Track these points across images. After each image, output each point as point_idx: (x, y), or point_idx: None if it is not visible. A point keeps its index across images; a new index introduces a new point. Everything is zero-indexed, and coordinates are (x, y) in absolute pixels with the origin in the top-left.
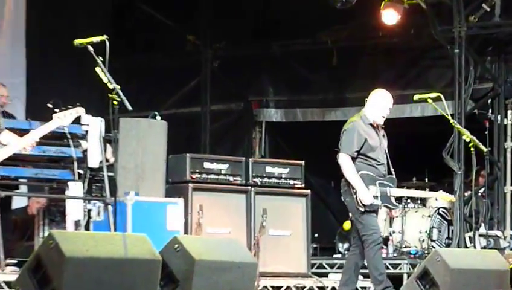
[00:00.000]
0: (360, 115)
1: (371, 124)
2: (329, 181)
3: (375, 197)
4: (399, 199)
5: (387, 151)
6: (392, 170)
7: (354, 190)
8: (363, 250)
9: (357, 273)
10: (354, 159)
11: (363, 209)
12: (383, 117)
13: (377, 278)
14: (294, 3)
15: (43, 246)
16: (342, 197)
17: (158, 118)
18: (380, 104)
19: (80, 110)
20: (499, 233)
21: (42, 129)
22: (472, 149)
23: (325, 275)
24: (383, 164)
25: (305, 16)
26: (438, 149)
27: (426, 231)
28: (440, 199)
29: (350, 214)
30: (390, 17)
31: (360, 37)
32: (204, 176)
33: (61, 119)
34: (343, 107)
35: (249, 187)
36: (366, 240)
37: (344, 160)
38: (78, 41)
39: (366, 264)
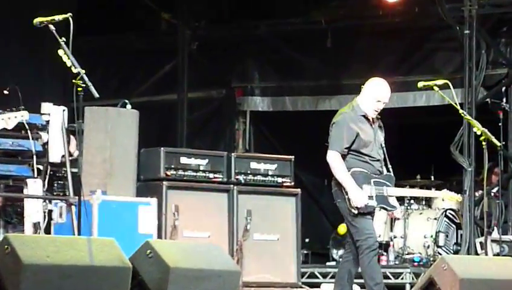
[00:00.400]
0: (352, 104)
1: (363, 116)
2: (322, 179)
3: (370, 197)
4: (401, 199)
5: (383, 145)
6: (389, 166)
7: (346, 191)
8: (357, 256)
9: (350, 283)
10: (344, 155)
11: (356, 212)
12: (375, 111)
13: (372, 289)
14: None
15: None
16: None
17: (129, 106)
18: (373, 95)
19: (25, 115)
20: None
21: None
22: (484, 143)
23: (317, 285)
24: (378, 160)
25: None
26: (446, 143)
27: (432, 236)
28: (444, 198)
29: None
30: None
31: (358, 16)
32: (180, 172)
33: (5, 122)
34: (339, 95)
35: (231, 185)
36: (361, 246)
37: (332, 158)
38: (38, 19)
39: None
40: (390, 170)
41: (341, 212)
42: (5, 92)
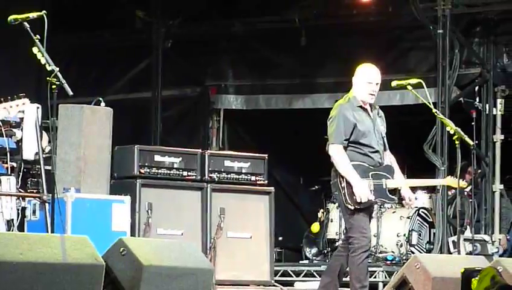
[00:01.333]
0: (347, 96)
1: (360, 106)
2: (297, 177)
3: (369, 191)
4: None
5: (384, 135)
6: (391, 157)
7: (343, 185)
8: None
9: (341, 277)
10: (345, 148)
11: (352, 207)
12: (372, 95)
13: None
14: None
15: None
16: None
17: (103, 104)
18: (363, 79)
19: (26, 102)
20: (486, 237)
21: None
22: (457, 142)
23: (290, 283)
24: (378, 151)
25: None
26: (419, 142)
27: (405, 235)
28: (448, 184)
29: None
30: None
31: (332, 15)
32: (154, 170)
33: (7, 110)
34: (313, 93)
35: (205, 183)
36: (353, 244)
37: (335, 151)
38: (12, 17)
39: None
40: (392, 160)
41: (339, 204)
42: None
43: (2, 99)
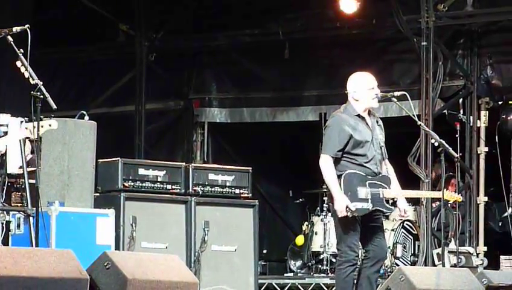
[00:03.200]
0: (345, 106)
1: (358, 115)
2: (282, 190)
3: (365, 199)
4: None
5: (382, 144)
6: (388, 167)
7: (329, 191)
8: (375, 263)
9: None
10: (338, 159)
11: (340, 215)
12: (375, 99)
13: None
14: None
15: None
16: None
17: (86, 118)
18: (364, 87)
19: (53, 124)
20: (471, 249)
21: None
22: (441, 154)
23: None
24: (374, 161)
25: (253, 4)
26: (403, 154)
27: (389, 247)
28: (446, 198)
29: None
30: (349, 5)
31: (315, 27)
32: (138, 183)
33: (30, 131)
34: (297, 106)
35: (189, 197)
36: (339, 257)
37: (323, 161)
38: None
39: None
40: (389, 170)
41: (332, 215)
42: None
43: (26, 119)
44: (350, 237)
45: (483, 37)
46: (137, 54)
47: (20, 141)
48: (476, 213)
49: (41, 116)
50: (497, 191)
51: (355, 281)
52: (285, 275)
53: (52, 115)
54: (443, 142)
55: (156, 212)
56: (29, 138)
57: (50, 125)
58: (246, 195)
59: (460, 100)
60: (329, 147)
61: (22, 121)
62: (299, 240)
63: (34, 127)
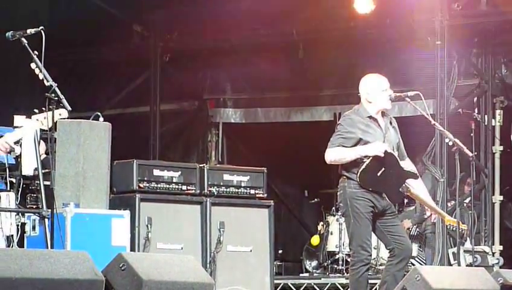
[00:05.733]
0: (358, 108)
1: (370, 117)
2: (296, 189)
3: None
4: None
5: (395, 146)
6: (407, 168)
7: (341, 191)
8: (401, 259)
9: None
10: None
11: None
12: (388, 101)
13: None
14: None
15: None
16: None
17: (101, 119)
18: (378, 88)
19: (63, 112)
20: (486, 249)
21: (17, 133)
22: (456, 154)
23: None
24: None
25: (267, 4)
26: (417, 154)
27: None
28: (447, 222)
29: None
30: (363, 5)
31: (330, 27)
32: (153, 184)
33: (41, 122)
34: (311, 106)
35: (204, 197)
36: (352, 257)
37: (330, 152)
38: (10, 32)
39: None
40: (411, 168)
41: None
42: None
43: (37, 110)
44: (362, 236)
45: (497, 35)
46: (151, 55)
47: (35, 142)
48: (491, 212)
49: (51, 107)
50: None
51: (368, 280)
52: (301, 275)
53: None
54: (458, 141)
55: (171, 213)
56: (41, 130)
57: (60, 114)
58: (261, 195)
59: (475, 99)
60: (334, 143)
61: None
62: (315, 240)
63: (44, 118)
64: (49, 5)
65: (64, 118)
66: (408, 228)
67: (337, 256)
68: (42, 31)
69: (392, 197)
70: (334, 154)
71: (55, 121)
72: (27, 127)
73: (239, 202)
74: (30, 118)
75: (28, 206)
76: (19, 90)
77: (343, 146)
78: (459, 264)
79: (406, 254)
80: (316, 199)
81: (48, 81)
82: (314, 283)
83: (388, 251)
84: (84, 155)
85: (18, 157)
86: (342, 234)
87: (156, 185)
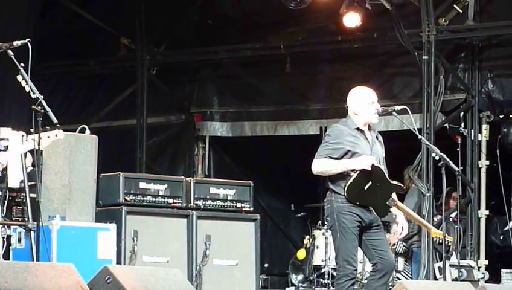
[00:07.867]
0: (345, 120)
1: (357, 129)
2: (283, 203)
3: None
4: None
5: (381, 160)
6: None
7: (328, 205)
8: (383, 276)
9: None
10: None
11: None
12: (375, 114)
13: None
14: (243, 3)
15: None
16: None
17: (88, 132)
18: (364, 101)
19: (59, 133)
20: (472, 263)
21: (14, 151)
22: (442, 168)
23: None
24: None
25: (255, 18)
26: (404, 168)
27: None
28: (433, 234)
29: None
30: (350, 19)
31: (317, 41)
32: (139, 197)
33: (37, 143)
34: (298, 120)
35: (191, 210)
36: (338, 271)
37: (317, 163)
38: None
39: None
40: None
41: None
42: None
43: (33, 130)
44: (348, 251)
45: (484, 51)
46: (138, 68)
47: (21, 155)
48: (477, 227)
49: (47, 127)
50: (498, 205)
51: None
52: (287, 289)
53: (58, 125)
54: (444, 156)
55: (158, 226)
56: (34, 149)
57: (56, 135)
58: (247, 209)
59: (462, 114)
60: (322, 153)
61: (22, 135)
62: (301, 253)
63: (39, 138)
64: (36, 17)
65: (60, 139)
66: (394, 244)
67: (323, 270)
68: (29, 43)
69: (378, 211)
70: (321, 166)
71: (51, 141)
72: (11, 150)
73: (225, 216)
74: (28, 134)
75: (13, 219)
76: (6, 103)
77: (331, 157)
78: (444, 279)
79: (388, 269)
80: (302, 213)
81: (34, 93)
82: None
83: (371, 265)
84: (70, 168)
85: (4, 170)
86: (328, 248)
87: (142, 198)
